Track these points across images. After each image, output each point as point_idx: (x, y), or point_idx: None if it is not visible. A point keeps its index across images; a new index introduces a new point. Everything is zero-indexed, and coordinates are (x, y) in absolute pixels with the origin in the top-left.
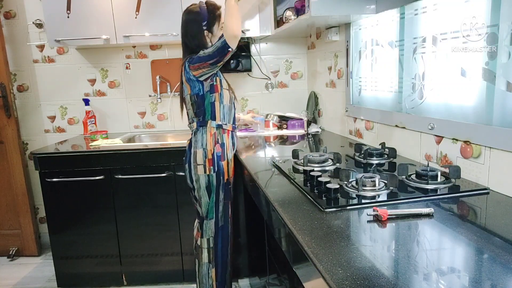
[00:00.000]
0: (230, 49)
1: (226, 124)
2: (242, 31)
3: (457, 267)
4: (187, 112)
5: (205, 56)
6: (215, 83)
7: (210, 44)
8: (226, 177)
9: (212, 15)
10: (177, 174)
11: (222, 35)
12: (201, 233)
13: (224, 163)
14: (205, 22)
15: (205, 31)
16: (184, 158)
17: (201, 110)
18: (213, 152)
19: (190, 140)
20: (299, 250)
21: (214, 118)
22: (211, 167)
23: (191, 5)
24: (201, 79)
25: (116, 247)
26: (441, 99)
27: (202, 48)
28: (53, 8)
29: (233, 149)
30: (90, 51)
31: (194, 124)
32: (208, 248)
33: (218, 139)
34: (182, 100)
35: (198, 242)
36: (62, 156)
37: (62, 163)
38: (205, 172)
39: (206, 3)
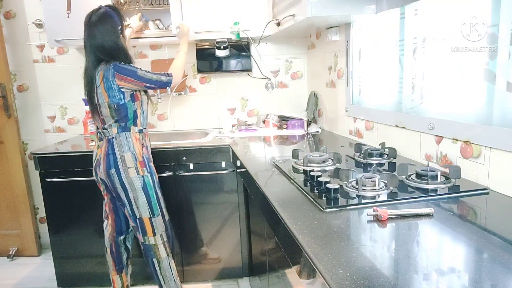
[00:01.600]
0: (168, 88)
1: (145, 128)
2: (243, 31)
3: (457, 267)
4: (100, 118)
5: (145, 78)
6: (135, 93)
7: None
8: (157, 176)
9: (121, 19)
10: (177, 174)
11: (170, 74)
12: (152, 232)
13: (151, 164)
14: (120, 26)
15: (121, 36)
16: (101, 165)
17: (122, 118)
18: (142, 155)
19: (107, 146)
20: (299, 250)
21: (136, 124)
22: (144, 169)
23: (97, 9)
24: (123, 90)
25: None
26: (441, 99)
27: (121, 55)
28: (53, 8)
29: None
30: None
31: (114, 130)
32: (163, 243)
33: (143, 142)
34: (93, 106)
35: (151, 241)
36: (62, 156)
37: (62, 163)
38: (138, 173)
39: (110, 7)
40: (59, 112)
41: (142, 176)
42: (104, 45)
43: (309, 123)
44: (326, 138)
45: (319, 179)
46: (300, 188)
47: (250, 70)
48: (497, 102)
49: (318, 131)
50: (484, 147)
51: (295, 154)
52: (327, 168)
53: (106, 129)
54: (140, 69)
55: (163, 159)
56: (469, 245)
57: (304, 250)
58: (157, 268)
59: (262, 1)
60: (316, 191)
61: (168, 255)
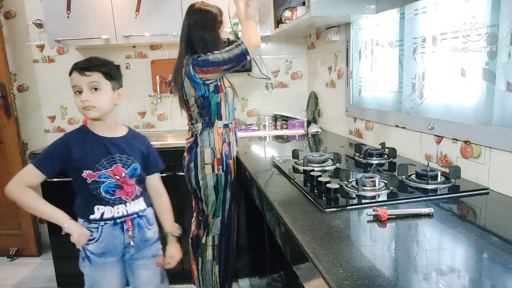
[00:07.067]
0: (248, 58)
1: (231, 123)
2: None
3: (457, 267)
4: (189, 113)
5: (219, 62)
6: (219, 83)
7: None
8: (233, 176)
9: (220, 19)
10: (177, 174)
11: (240, 42)
12: (207, 232)
13: (231, 161)
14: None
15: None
16: (185, 159)
17: (206, 111)
18: (222, 151)
19: (193, 140)
20: (299, 250)
21: (220, 118)
22: (220, 166)
23: (203, 4)
24: (208, 82)
25: None
26: (441, 99)
27: (208, 51)
28: (53, 8)
29: (236, 145)
30: (90, 51)
31: (199, 125)
32: (213, 246)
33: (225, 138)
34: (183, 101)
35: (203, 241)
36: None
37: None
38: (213, 171)
39: (215, 7)
40: (59, 112)
41: (216, 175)
42: (199, 37)
43: (309, 123)
44: (326, 138)
45: (319, 179)
46: (300, 188)
47: (250, 70)
48: (497, 102)
49: (318, 131)
50: (484, 147)
51: (295, 154)
52: (327, 168)
53: (193, 124)
54: (212, 54)
55: (163, 159)
56: (469, 245)
57: (304, 250)
58: (199, 267)
59: (262, 1)
60: (316, 191)
61: (213, 259)
